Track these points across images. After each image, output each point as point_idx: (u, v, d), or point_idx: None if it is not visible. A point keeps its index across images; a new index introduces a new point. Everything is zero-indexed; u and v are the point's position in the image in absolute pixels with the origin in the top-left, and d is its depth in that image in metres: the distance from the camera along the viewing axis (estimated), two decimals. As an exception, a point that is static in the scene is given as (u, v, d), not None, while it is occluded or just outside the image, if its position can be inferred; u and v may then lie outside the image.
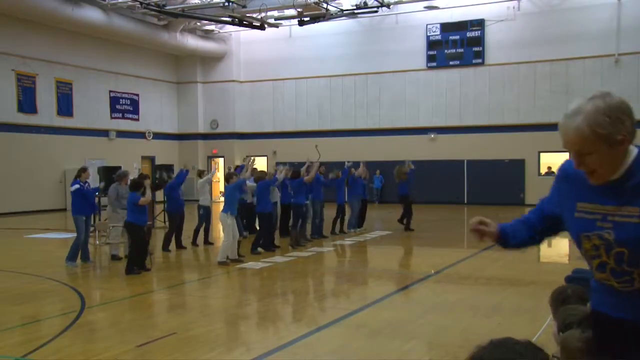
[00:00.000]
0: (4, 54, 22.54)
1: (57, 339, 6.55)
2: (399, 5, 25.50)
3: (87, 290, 9.32)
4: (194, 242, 13.98)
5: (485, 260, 12.25)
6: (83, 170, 11.60)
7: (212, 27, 29.28)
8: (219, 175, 30.68)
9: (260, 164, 25.55)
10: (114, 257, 11.98)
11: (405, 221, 17.01)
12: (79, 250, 11.22)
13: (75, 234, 11.30)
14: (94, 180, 20.25)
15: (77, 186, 11.22)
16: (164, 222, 16.70)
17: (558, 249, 15.48)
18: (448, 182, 26.29)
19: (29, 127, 23.47)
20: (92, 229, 13.87)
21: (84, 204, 11.26)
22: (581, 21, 24.26)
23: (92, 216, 12.65)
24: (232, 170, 14.70)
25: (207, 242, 14.16)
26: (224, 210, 11.69)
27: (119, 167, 17.64)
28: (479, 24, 25.86)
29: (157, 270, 10.86)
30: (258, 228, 13.28)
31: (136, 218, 10.41)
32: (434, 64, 26.82)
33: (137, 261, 10.44)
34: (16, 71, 23.01)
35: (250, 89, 30.49)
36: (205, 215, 14.12)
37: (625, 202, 2.31)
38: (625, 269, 2.40)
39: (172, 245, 13.34)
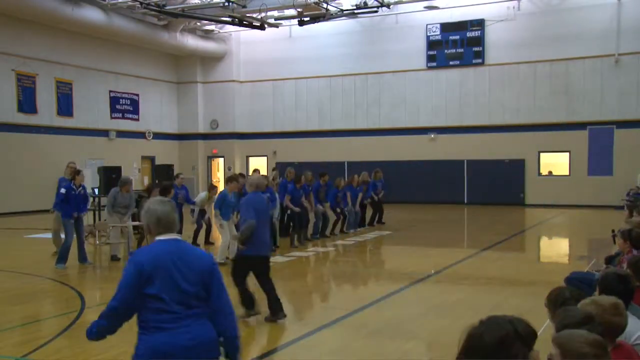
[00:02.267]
0: (4, 54, 22.52)
1: (57, 339, 6.55)
2: (399, 5, 25.47)
3: (87, 290, 9.33)
4: (194, 243, 14.00)
5: (485, 260, 12.26)
6: (77, 172, 11.44)
7: (212, 27, 29.27)
8: (219, 175, 30.75)
9: (260, 164, 25.56)
10: (114, 258, 11.96)
11: (378, 218, 18.09)
12: (67, 253, 11.10)
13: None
14: (94, 180, 20.29)
15: (63, 190, 11.11)
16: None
17: (558, 249, 15.49)
18: (448, 182, 26.28)
19: (29, 127, 23.46)
20: (90, 229, 13.86)
21: (69, 207, 11.07)
22: (581, 21, 24.25)
23: (87, 215, 12.57)
24: (232, 171, 14.69)
25: (207, 242, 14.20)
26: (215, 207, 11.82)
27: (119, 167, 17.62)
28: (479, 24, 25.85)
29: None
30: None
31: None
32: (434, 64, 26.81)
33: None
34: (16, 71, 23.00)
35: (250, 89, 30.47)
36: (204, 216, 14.14)
37: None
38: None
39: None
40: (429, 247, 14.65)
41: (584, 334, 2.66)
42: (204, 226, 14.26)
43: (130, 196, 12.23)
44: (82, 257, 11.38)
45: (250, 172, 16.20)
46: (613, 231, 7.95)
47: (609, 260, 6.97)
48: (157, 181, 14.24)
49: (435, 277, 10.29)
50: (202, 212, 14.11)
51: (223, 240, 11.53)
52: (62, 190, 11.11)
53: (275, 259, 11.96)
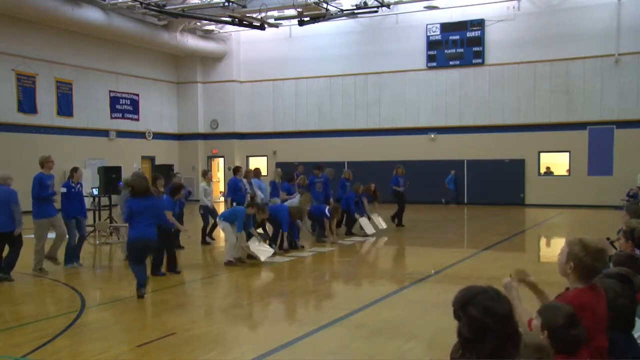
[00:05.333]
0: (4, 54, 22.52)
1: (57, 339, 6.55)
2: (399, 5, 25.47)
3: (87, 290, 9.32)
4: (204, 241, 14.08)
5: (485, 260, 12.25)
6: (75, 170, 11.35)
7: (212, 27, 29.27)
8: (219, 176, 30.76)
9: (260, 164, 25.53)
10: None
11: (398, 218, 17.82)
12: (75, 251, 11.11)
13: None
14: (93, 180, 20.27)
15: (64, 190, 11.08)
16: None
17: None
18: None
19: (29, 127, 23.45)
20: (92, 229, 13.84)
21: (71, 206, 11.00)
22: (581, 21, 24.26)
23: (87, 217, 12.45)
24: (232, 169, 14.74)
25: (210, 238, 14.25)
26: (220, 216, 11.74)
27: (119, 167, 17.58)
28: (479, 24, 25.86)
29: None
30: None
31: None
32: (434, 64, 26.81)
33: (168, 264, 10.35)
34: (16, 71, 23.00)
35: (250, 89, 30.48)
36: (209, 213, 14.18)
37: None
38: None
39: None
40: (429, 247, 14.64)
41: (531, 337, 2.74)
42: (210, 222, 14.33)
43: None
44: (76, 258, 11.27)
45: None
46: (609, 239, 7.97)
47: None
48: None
49: (435, 277, 10.29)
50: (207, 208, 14.17)
51: (230, 239, 11.51)
52: (63, 190, 11.08)
53: (275, 259, 11.95)
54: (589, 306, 3.19)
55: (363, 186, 16.40)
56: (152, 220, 8.53)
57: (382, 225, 16.53)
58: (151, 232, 8.49)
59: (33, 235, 10.65)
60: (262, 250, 11.62)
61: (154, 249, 9.30)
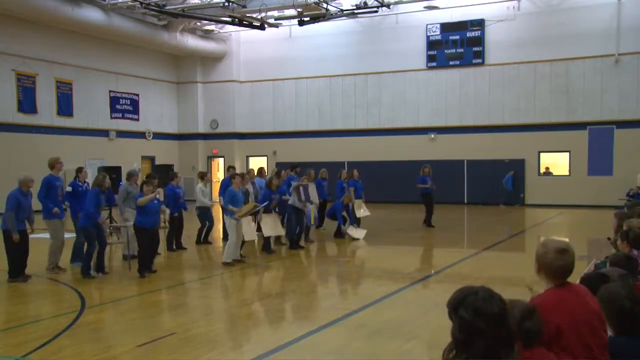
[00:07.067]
0: (4, 54, 22.51)
1: (57, 339, 6.55)
2: (399, 5, 25.47)
3: (87, 290, 9.32)
4: (198, 241, 14.11)
5: (485, 260, 12.26)
6: (79, 170, 11.43)
7: (212, 27, 29.27)
8: (219, 176, 30.75)
9: (260, 164, 25.52)
10: (132, 257, 11.73)
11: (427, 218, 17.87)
12: (80, 251, 11.11)
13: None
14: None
15: (69, 189, 11.12)
16: (164, 222, 16.64)
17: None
18: (448, 182, 26.23)
19: (29, 127, 23.45)
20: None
21: (78, 205, 11.01)
22: (581, 21, 24.26)
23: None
24: (232, 170, 14.70)
25: (206, 241, 14.22)
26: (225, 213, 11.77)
27: (119, 167, 17.61)
28: (479, 24, 25.85)
29: (158, 270, 10.84)
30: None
31: (141, 220, 10.26)
32: (434, 64, 26.81)
33: (146, 264, 10.35)
34: (16, 71, 22.99)
35: (250, 89, 30.48)
36: (205, 215, 14.16)
37: None
38: None
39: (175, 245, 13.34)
40: (429, 247, 14.65)
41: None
42: (207, 224, 14.31)
43: (138, 188, 12.00)
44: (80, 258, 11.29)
45: (255, 172, 15.99)
46: (609, 239, 7.97)
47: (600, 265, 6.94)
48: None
49: (435, 277, 10.29)
50: (205, 210, 14.16)
51: (230, 240, 11.49)
52: (69, 189, 11.12)
53: (276, 259, 11.95)
54: (557, 305, 3.28)
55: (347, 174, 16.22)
56: (84, 211, 10.24)
57: (366, 212, 16.21)
58: (80, 221, 10.31)
59: (49, 235, 10.68)
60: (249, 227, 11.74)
61: (84, 236, 10.33)
